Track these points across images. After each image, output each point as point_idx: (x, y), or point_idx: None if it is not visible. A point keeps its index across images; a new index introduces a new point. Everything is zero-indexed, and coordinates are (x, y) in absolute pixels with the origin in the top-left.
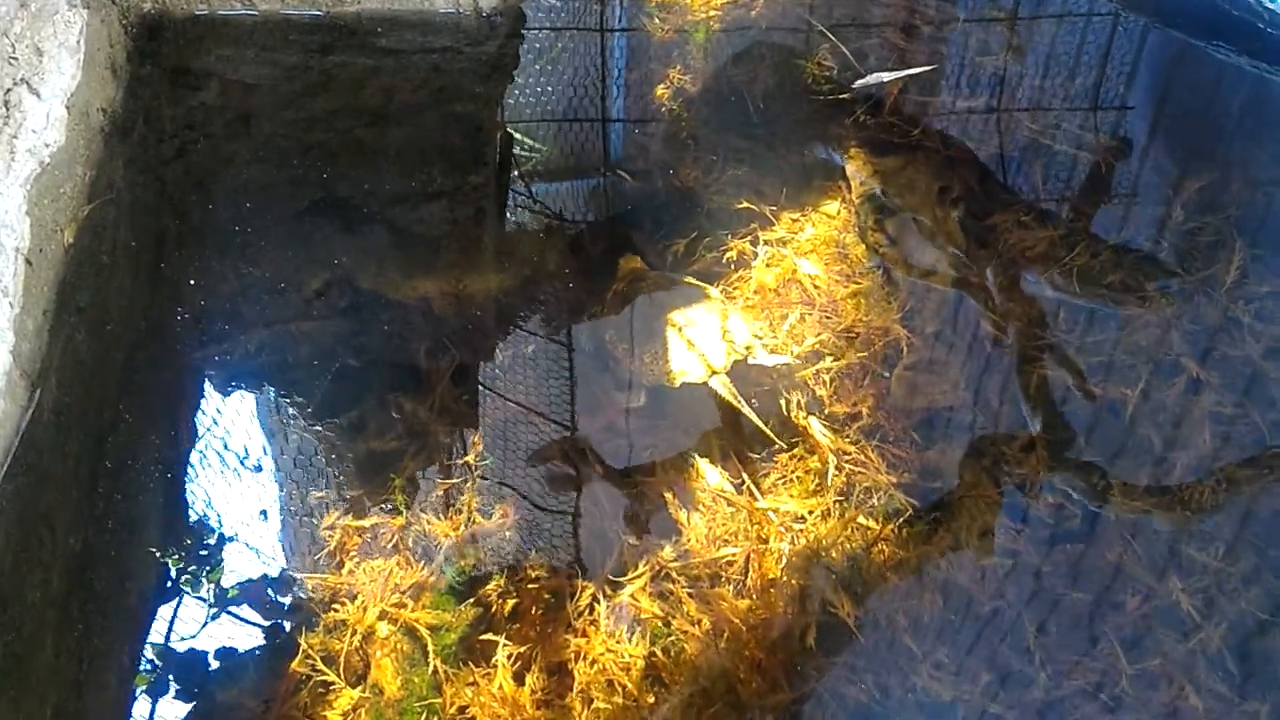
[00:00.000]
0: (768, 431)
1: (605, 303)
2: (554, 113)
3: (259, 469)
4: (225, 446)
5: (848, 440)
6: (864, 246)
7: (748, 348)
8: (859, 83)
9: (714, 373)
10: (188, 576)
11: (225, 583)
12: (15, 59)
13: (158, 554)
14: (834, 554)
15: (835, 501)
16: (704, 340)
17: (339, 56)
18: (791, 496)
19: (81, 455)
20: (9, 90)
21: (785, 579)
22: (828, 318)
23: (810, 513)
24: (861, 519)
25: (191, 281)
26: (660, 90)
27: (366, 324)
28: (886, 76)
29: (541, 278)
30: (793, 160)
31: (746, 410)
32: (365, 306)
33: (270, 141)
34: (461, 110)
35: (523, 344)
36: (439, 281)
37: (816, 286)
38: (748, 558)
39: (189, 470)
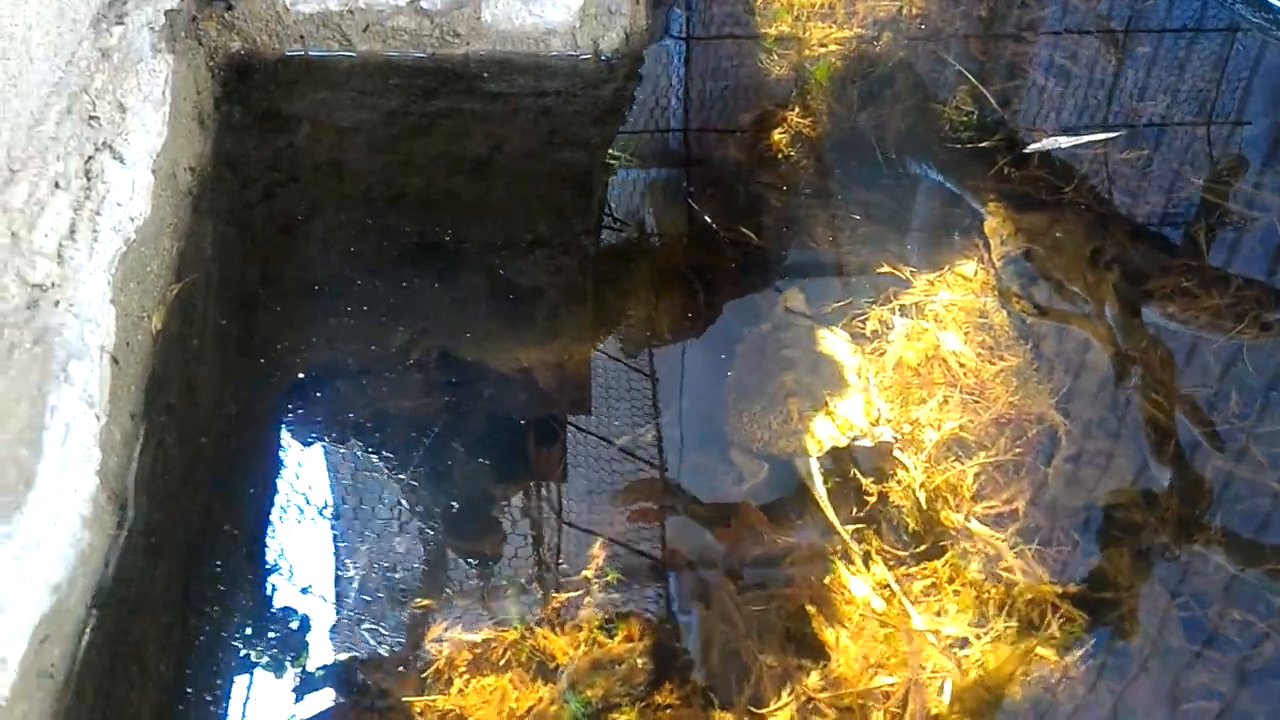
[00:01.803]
0: (840, 528)
1: (741, 348)
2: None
3: (355, 571)
4: (317, 550)
5: (1005, 543)
6: (1005, 315)
7: (874, 423)
8: (1033, 146)
9: (830, 445)
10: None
11: (322, 705)
12: (96, 118)
13: (248, 686)
14: (1012, 690)
15: (1006, 625)
16: (847, 411)
17: (443, 101)
18: (945, 611)
19: (173, 574)
20: (90, 158)
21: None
22: (975, 401)
23: (977, 637)
24: (1041, 649)
25: (281, 357)
26: (777, 135)
27: (466, 402)
28: (1066, 142)
29: (656, 335)
30: (926, 216)
31: (822, 500)
32: (464, 379)
33: (364, 193)
34: (571, 156)
35: (640, 426)
36: (541, 350)
37: (962, 365)
38: (908, 690)
39: (280, 577)
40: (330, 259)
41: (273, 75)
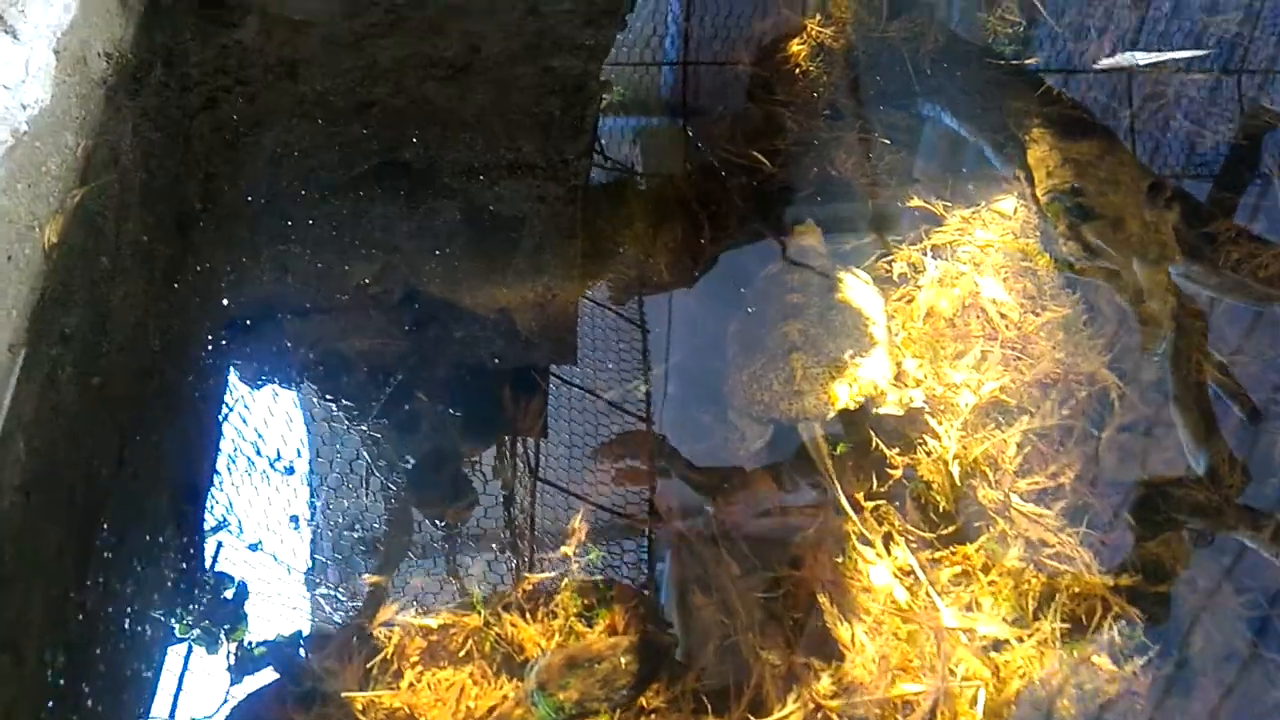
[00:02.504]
0: (846, 504)
1: (746, 293)
2: (661, 72)
3: (297, 539)
4: (255, 512)
5: (1049, 527)
6: (1050, 258)
7: (900, 384)
8: (1103, 62)
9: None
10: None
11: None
12: None
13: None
14: (1063, 706)
15: (1052, 624)
16: (867, 368)
17: None
18: (979, 605)
19: (66, 542)
20: None
21: None
22: (1017, 357)
23: (1019, 639)
24: (1096, 659)
25: (219, 286)
26: (795, 46)
27: (435, 345)
28: (1143, 58)
29: (652, 277)
30: (962, 143)
31: (828, 473)
32: (433, 319)
33: (322, 99)
34: (561, 65)
35: (630, 379)
36: (522, 289)
37: (1003, 316)
38: (934, 700)
39: (204, 543)
40: (281, 177)
41: None
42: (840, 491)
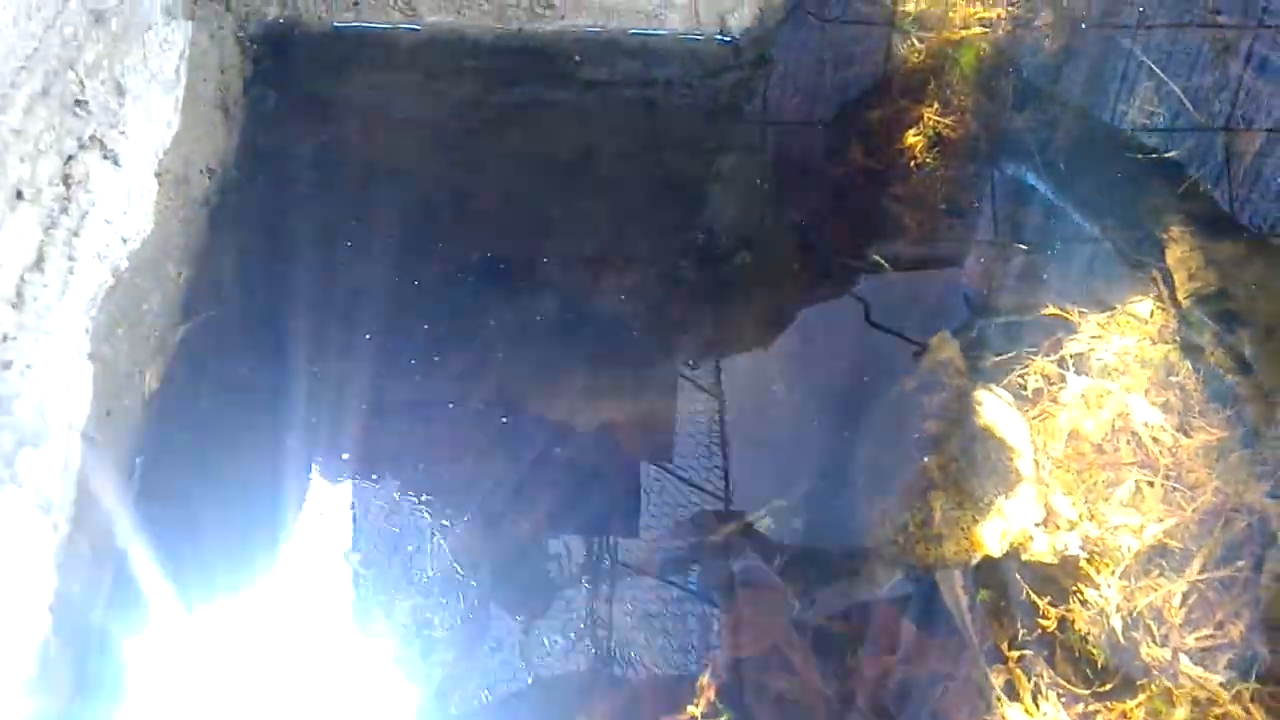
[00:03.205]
0: (980, 658)
1: (874, 415)
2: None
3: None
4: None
5: (1220, 685)
6: (1188, 366)
7: (1052, 527)
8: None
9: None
10: None
11: None
12: (84, 103)
13: None
14: None
15: None
16: (1014, 510)
17: (527, 90)
18: None
19: None
20: (71, 158)
21: None
22: (1174, 487)
23: None
24: None
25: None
26: (911, 138)
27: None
28: None
29: (765, 395)
30: (1094, 241)
31: (966, 624)
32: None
33: (426, 203)
34: (676, 161)
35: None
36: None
37: (1156, 440)
38: None
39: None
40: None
41: (318, 51)
42: (977, 645)
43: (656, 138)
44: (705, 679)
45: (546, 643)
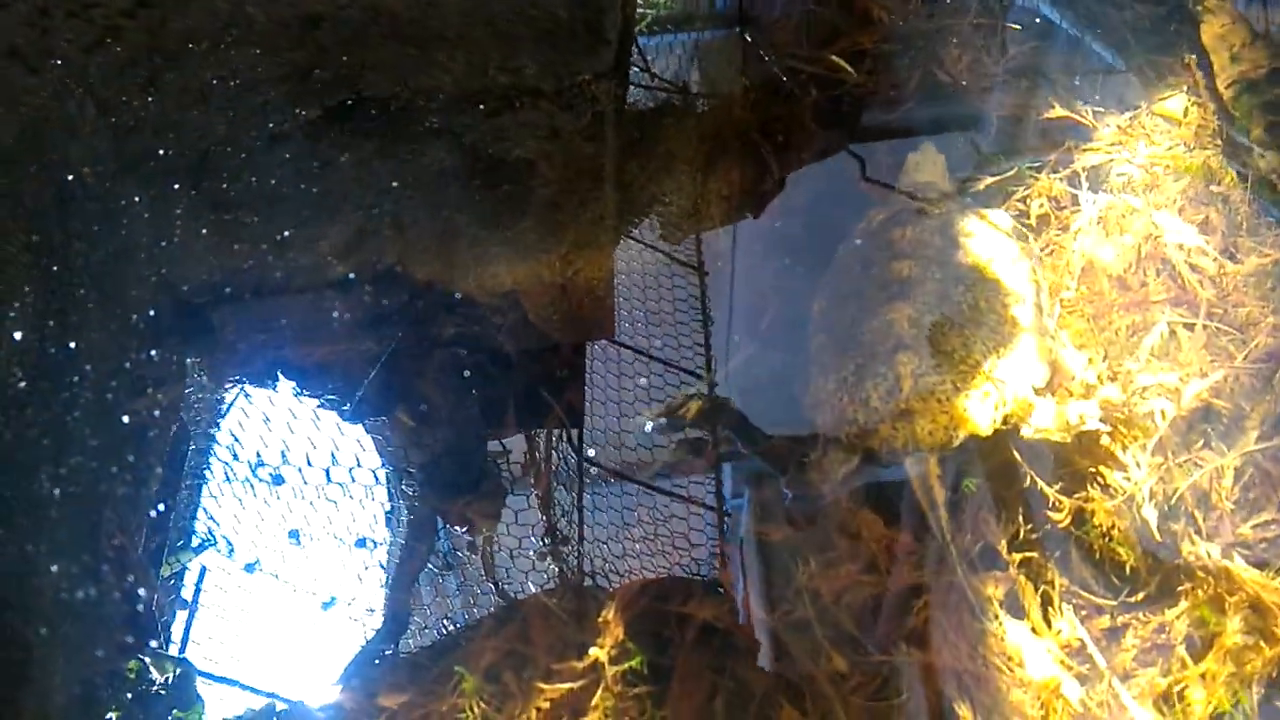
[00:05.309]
0: (962, 571)
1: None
2: None
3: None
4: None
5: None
6: (1233, 173)
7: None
8: None
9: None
10: None
11: None
12: None
13: None
14: None
15: None
16: (1014, 371)
17: None
18: (1187, 701)
19: None
20: None
21: None
22: (1220, 329)
23: None
24: None
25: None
26: None
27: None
28: None
29: (705, 241)
30: (1111, 21)
31: (941, 525)
32: (421, 310)
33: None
34: None
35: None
36: (535, 263)
37: (1194, 268)
38: None
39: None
40: (211, 126)
41: None
42: (954, 548)
43: None
44: (610, 613)
45: None
